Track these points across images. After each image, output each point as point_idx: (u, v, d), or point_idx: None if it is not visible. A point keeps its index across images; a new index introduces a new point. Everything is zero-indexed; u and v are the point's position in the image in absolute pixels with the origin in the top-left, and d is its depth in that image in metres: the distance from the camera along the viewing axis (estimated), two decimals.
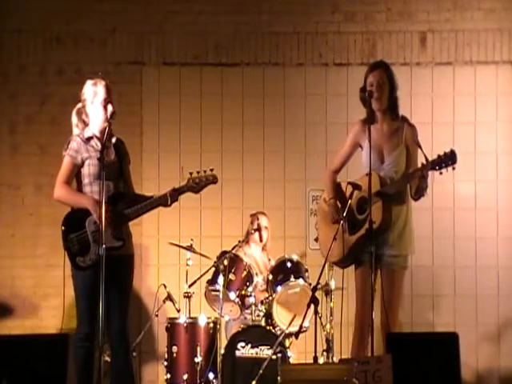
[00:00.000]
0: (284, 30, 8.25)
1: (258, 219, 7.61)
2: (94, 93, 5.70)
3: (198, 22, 8.23)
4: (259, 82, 8.27)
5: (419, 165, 5.63)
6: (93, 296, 5.33)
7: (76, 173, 5.68)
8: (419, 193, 5.61)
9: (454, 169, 5.49)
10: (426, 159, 5.48)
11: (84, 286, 5.50)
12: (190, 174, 5.70)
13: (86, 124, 5.74)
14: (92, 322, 5.42)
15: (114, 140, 5.76)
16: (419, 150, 5.63)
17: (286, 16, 8.25)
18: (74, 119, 5.80)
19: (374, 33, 8.24)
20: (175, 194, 5.66)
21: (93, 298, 5.34)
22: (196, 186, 5.68)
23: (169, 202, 5.66)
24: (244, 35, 8.27)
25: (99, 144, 5.66)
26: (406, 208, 5.69)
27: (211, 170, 5.70)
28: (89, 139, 5.66)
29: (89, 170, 5.61)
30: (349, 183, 5.65)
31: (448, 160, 5.46)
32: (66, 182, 5.67)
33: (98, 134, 5.70)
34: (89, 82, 5.77)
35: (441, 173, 5.51)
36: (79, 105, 5.79)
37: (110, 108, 5.64)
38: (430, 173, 5.51)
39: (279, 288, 6.98)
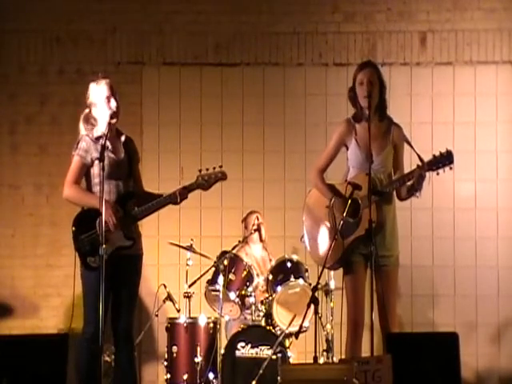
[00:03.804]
0: (284, 30, 8.25)
1: (258, 219, 7.61)
2: (97, 93, 5.70)
3: (198, 21, 8.24)
4: (259, 82, 8.28)
5: (410, 162, 5.61)
6: (104, 299, 5.33)
7: (85, 172, 5.68)
8: (411, 193, 5.60)
9: (451, 169, 5.48)
10: (421, 160, 5.45)
11: (93, 286, 5.47)
12: (199, 171, 5.70)
13: (94, 126, 5.73)
14: (99, 323, 5.40)
15: (123, 138, 5.78)
16: (411, 150, 5.61)
17: (286, 16, 8.25)
18: (82, 128, 5.76)
19: (373, 33, 8.24)
20: (184, 192, 5.66)
21: (103, 302, 5.34)
22: (205, 182, 5.68)
23: (178, 200, 5.67)
24: (244, 35, 8.27)
25: (108, 143, 5.67)
26: (393, 208, 5.68)
27: (220, 166, 5.72)
28: (98, 139, 5.64)
29: (98, 169, 5.59)
30: (349, 183, 5.64)
31: (444, 160, 5.44)
32: (76, 181, 5.69)
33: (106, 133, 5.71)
34: (91, 85, 5.77)
35: (437, 173, 5.50)
36: (86, 111, 5.76)
37: (113, 104, 5.64)
38: (427, 173, 5.50)
39: (279, 288, 6.98)
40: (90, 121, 5.74)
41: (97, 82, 5.76)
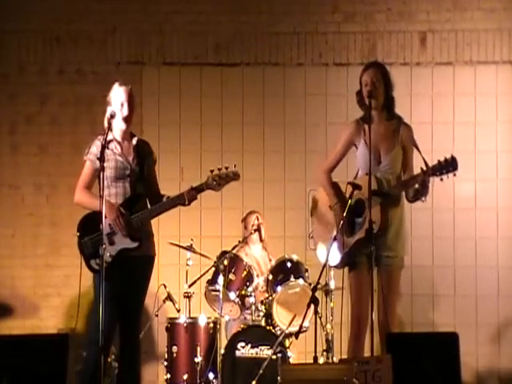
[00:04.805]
0: (284, 30, 8.25)
1: (257, 219, 7.61)
2: (115, 94, 5.73)
3: (198, 21, 8.24)
4: (259, 82, 8.28)
5: (414, 165, 5.61)
6: (110, 301, 5.33)
7: (97, 176, 5.68)
8: (416, 197, 5.58)
9: (454, 175, 5.46)
10: (426, 165, 5.42)
11: (105, 294, 5.42)
12: (211, 171, 5.65)
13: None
14: (108, 328, 5.40)
15: (134, 141, 5.79)
16: (417, 153, 5.61)
17: (286, 16, 8.25)
18: (106, 125, 5.78)
19: (374, 33, 8.24)
20: (193, 193, 5.62)
21: (110, 303, 5.33)
22: (216, 183, 5.63)
23: (186, 202, 5.63)
24: (244, 35, 8.27)
25: (119, 147, 5.70)
26: (400, 209, 5.67)
27: (234, 166, 5.66)
28: (109, 142, 5.64)
29: (107, 173, 5.56)
30: (349, 183, 5.64)
31: (449, 166, 5.41)
32: (86, 186, 5.74)
33: (118, 138, 5.73)
34: (115, 84, 5.80)
35: (441, 179, 5.47)
36: (108, 113, 5.75)
37: (125, 111, 5.67)
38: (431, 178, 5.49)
39: (279, 288, 6.98)
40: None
41: (119, 83, 5.78)
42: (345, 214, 5.50)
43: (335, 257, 5.68)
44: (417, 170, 5.53)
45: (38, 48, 8.25)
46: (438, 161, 5.44)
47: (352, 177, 5.80)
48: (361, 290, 5.62)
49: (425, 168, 5.42)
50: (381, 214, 5.50)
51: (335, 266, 5.86)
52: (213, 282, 7.07)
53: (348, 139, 5.78)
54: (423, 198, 5.56)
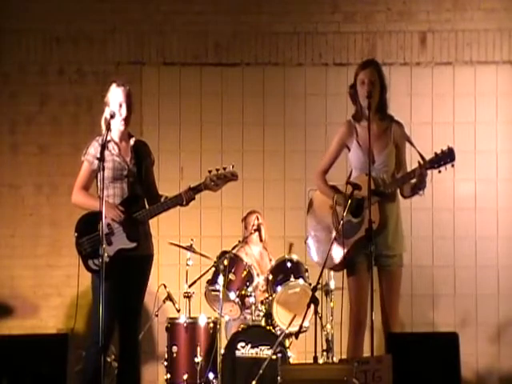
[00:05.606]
0: (284, 30, 8.25)
1: (258, 219, 7.61)
2: (113, 95, 5.72)
3: (198, 21, 8.24)
4: (259, 82, 8.28)
5: (411, 161, 5.61)
6: (109, 301, 5.33)
7: (95, 177, 5.67)
8: (414, 191, 5.57)
9: (452, 166, 5.45)
10: (423, 158, 5.43)
11: (104, 295, 5.42)
12: (209, 171, 5.65)
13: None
14: (108, 331, 5.39)
15: (132, 142, 5.78)
16: (412, 148, 5.60)
17: (285, 16, 8.25)
18: (103, 127, 5.76)
19: (374, 33, 8.24)
20: (191, 193, 5.62)
21: (109, 303, 5.33)
22: (214, 184, 5.63)
23: (184, 202, 5.63)
24: (244, 35, 8.27)
25: (116, 148, 5.70)
26: (396, 206, 5.66)
27: (232, 166, 5.66)
28: (107, 143, 5.63)
29: (106, 174, 5.54)
30: (348, 183, 5.63)
31: (446, 158, 5.41)
32: (83, 187, 5.73)
33: (115, 139, 5.72)
34: (112, 85, 5.78)
35: (439, 171, 5.47)
36: (105, 113, 5.73)
37: (123, 111, 5.66)
38: (428, 172, 5.48)
39: (279, 288, 6.98)
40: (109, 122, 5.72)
41: (117, 84, 5.76)
42: (345, 214, 5.50)
43: (335, 258, 5.67)
44: (414, 166, 5.51)
45: (38, 48, 8.25)
46: (435, 153, 5.44)
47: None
48: (360, 291, 5.61)
49: (421, 161, 5.42)
50: (379, 213, 5.49)
51: (334, 269, 5.85)
52: (213, 282, 7.07)
53: (340, 140, 5.78)
54: (421, 192, 5.55)
